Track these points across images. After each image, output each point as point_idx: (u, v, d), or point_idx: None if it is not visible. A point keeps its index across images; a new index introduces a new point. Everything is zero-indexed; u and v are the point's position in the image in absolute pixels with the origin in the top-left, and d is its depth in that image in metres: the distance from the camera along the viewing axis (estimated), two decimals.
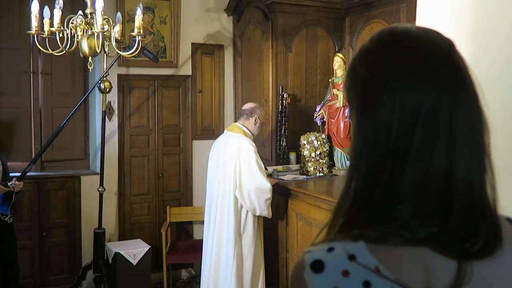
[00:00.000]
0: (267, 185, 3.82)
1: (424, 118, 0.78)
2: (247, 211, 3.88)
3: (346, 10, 4.91)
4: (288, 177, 4.39)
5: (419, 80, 0.79)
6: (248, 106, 4.16)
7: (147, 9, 4.90)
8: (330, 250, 0.76)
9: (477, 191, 0.79)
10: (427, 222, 0.77)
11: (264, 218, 4.04)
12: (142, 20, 3.26)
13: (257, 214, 3.89)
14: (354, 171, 0.83)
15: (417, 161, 0.78)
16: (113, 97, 4.90)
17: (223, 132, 4.27)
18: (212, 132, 5.38)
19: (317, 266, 0.75)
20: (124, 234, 5.02)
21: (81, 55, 3.35)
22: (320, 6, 4.83)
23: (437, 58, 0.81)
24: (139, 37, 3.11)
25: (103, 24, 2.92)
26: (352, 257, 0.75)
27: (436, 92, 0.78)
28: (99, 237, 4.47)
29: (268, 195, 3.83)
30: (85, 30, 3.15)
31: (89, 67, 3.29)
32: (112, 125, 4.96)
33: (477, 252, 0.76)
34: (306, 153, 4.48)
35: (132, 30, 3.26)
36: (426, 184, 0.78)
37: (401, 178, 0.78)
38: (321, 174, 4.47)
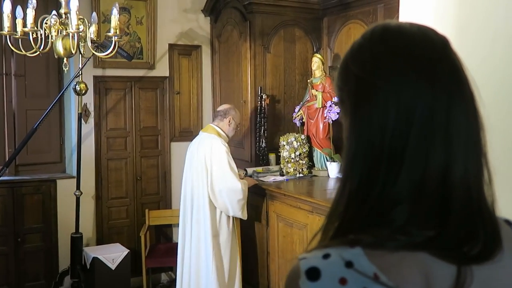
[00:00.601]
0: (238, 185, 3.82)
1: (420, 117, 0.75)
2: (221, 212, 3.89)
3: (323, 11, 4.92)
4: (268, 178, 4.37)
5: (414, 78, 0.76)
6: (222, 107, 4.17)
7: (123, 10, 4.83)
8: (326, 256, 0.73)
9: (474, 192, 0.77)
10: (424, 225, 0.75)
11: (243, 219, 4.03)
12: (118, 21, 3.20)
13: (230, 214, 3.91)
14: (348, 173, 0.80)
15: (413, 161, 0.75)
16: (89, 99, 4.81)
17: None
18: (191, 133, 5.32)
19: (313, 274, 0.72)
20: (102, 239, 4.94)
21: (56, 56, 3.28)
22: (298, 6, 4.83)
23: (432, 56, 0.78)
24: (116, 37, 3.05)
25: (78, 24, 2.86)
26: (349, 264, 0.72)
27: (431, 90, 0.76)
28: (77, 241, 4.39)
29: (240, 196, 3.83)
30: (59, 30, 3.08)
31: (64, 68, 3.22)
32: (88, 127, 4.88)
33: (477, 256, 0.74)
34: (285, 154, 4.47)
35: (108, 31, 3.20)
36: (422, 186, 0.75)
37: (397, 179, 0.75)
38: (301, 175, 4.46)
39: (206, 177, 3.87)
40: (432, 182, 0.75)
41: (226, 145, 3.96)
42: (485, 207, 0.78)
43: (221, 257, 3.87)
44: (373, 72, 0.79)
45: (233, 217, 3.98)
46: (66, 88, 4.34)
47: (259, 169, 4.50)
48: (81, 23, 2.94)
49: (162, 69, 5.19)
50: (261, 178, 4.36)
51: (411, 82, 0.76)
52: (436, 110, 0.76)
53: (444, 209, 0.75)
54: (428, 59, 0.78)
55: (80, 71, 4.22)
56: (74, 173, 4.61)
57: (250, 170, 4.46)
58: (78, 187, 4.45)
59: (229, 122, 4.07)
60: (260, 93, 4.64)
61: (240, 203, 3.86)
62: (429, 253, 0.73)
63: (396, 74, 0.77)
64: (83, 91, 4.36)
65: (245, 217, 3.95)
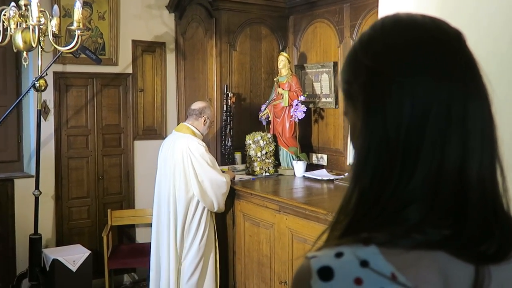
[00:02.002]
0: (222, 179, 3.89)
1: (437, 111, 0.72)
2: (201, 212, 3.87)
3: (289, 9, 4.91)
4: (235, 177, 4.32)
5: (430, 72, 0.73)
6: (197, 105, 4.09)
7: (84, 4, 4.68)
8: (339, 255, 0.69)
9: (489, 190, 0.74)
10: (439, 224, 0.72)
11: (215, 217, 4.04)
12: (81, 15, 3.10)
13: (215, 210, 3.94)
14: (360, 170, 0.76)
15: (429, 158, 0.72)
16: (48, 95, 4.66)
17: (169, 132, 4.19)
18: (155, 132, 5.23)
19: (326, 273, 0.68)
20: (62, 240, 4.79)
21: (15, 50, 3.14)
22: (264, 4, 4.80)
23: (448, 49, 0.75)
24: (79, 31, 2.94)
25: (39, 17, 2.74)
26: (364, 263, 0.68)
27: (447, 84, 0.73)
28: (35, 243, 4.24)
29: (224, 189, 3.91)
30: (19, 23, 2.95)
31: (23, 62, 3.09)
32: (48, 125, 4.71)
33: (494, 255, 0.72)
34: (252, 152, 4.43)
35: (71, 24, 3.09)
36: (438, 183, 0.72)
37: (412, 177, 0.72)
38: (267, 174, 4.44)
39: (185, 178, 3.84)
40: (448, 179, 0.72)
41: (203, 144, 3.94)
42: (500, 205, 0.76)
43: (198, 257, 3.85)
44: (387, 64, 0.75)
45: (211, 216, 3.97)
46: (30, 88, 4.15)
47: (225, 168, 4.45)
48: (42, 15, 2.82)
49: (125, 66, 5.07)
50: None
51: (427, 74, 0.73)
52: (453, 105, 0.73)
53: (460, 207, 0.73)
54: (444, 52, 0.74)
55: (45, 72, 4.06)
56: (33, 172, 4.45)
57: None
58: (37, 187, 4.30)
59: (205, 121, 4.03)
60: (226, 91, 4.59)
61: (224, 197, 3.94)
62: (446, 252, 0.71)
63: (411, 66, 0.73)
64: (43, 87, 4.20)
65: (223, 209, 4.02)
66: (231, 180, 4.10)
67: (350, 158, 3.80)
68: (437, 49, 0.74)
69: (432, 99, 0.72)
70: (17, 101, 4.14)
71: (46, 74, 4.13)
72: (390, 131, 0.73)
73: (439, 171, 0.72)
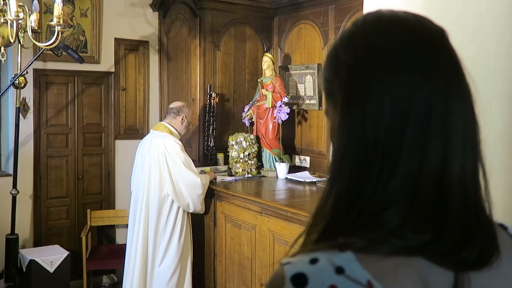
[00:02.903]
0: (197, 180, 3.83)
1: (417, 111, 0.69)
2: (176, 212, 3.83)
3: (274, 10, 4.88)
4: (216, 178, 4.28)
5: (411, 70, 0.70)
6: (175, 104, 4.08)
7: (66, 1, 4.62)
8: (314, 261, 0.66)
9: (471, 193, 0.72)
10: (419, 228, 0.69)
11: (192, 218, 3.98)
12: (62, 11, 3.03)
13: (191, 210, 3.89)
14: (336, 172, 0.73)
15: (408, 159, 0.69)
16: (28, 93, 4.56)
17: (148, 132, 4.14)
18: (136, 131, 5.17)
19: (299, 280, 0.65)
20: (40, 240, 4.69)
21: None
22: (249, 5, 4.77)
23: (430, 46, 0.72)
24: (59, 27, 2.87)
25: (18, 12, 2.67)
26: (339, 270, 0.65)
27: (429, 83, 0.70)
28: (12, 243, 4.16)
29: (200, 190, 3.85)
30: None
31: (1, 58, 3.01)
32: (27, 123, 4.62)
33: (475, 262, 0.69)
34: (234, 154, 4.40)
35: (51, 20, 3.02)
36: (418, 185, 0.69)
37: (391, 179, 0.69)
38: (249, 175, 4.40)
39: (160, 177, 3.81)
40: (429, 181, 0.69)
41: (180, 142, 3.91)
42: (482, 210, 0.73)
43: (177, 258, 3.81)
44: (367, 61, 0.72)
45: (187, 218, 3.93)
46: (9, 86, 4.06)
47: (207, 168, 4.40)
48: (21, 10, 2.76)
49: (107, 64, 5.00)
50: None
51: (408, 72, 0.70)
52: (434, 104, 0.70)
53: (441, 210, 0.70)
54: (425, 50, 0.72)
55: (25, 70, 3.98)
56: (11, 171, 4.36)
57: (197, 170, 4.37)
58: (14, 186, 4.22)
59: (182, 120, 4.02)
60: (209, 92, 4.55)
61: (200, 198, 3.88)
62: (425, 258, 0.68)
63: (392, 64, 0.71)
64: (22, 85, 4.14)
65: (202, 210, 3.97)
66: (212, 181, 4.06)
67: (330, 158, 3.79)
68: (419, 46, 0.72)
69: (413, 98, 0.69)
70: None
71: (27, 72, 4.06)
72: (369, 130, 0.70)
73: (419, 173, 0.69)
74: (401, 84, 0.70)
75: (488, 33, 1.47)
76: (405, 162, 0.69)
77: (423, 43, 0.72)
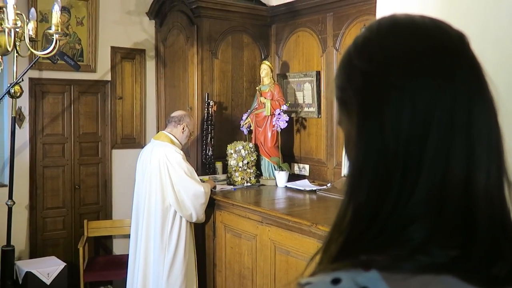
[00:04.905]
0: (200, 189, 3.79)
1: (439, 118, 0.65)
2: (179, 222, 3.78)
3: (272, 18, 4.87)
4: (215, 187, 4.23)
5: (432, 75, 0.66)
6: (177, 113, 4.06)
7: (63, 9, 4.57)
8: (336, 281, 0.62)
9: (497, 205, 0.68)
10: (446, 244, 0.65)
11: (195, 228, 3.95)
12: (60, 19, 2.99)
13: (194, 220, 3.85)
14: (355, 184, 0.69)
15: (432, 170, 0.65)
16: (24, 102, 4.52)
17: (148, 141, 4.12)
18: (133, 140, 5.12)
19: None
20: (36, 251, 4.62)
21: None
22: (246, 12, 4.76)
23: (450, 51, 0.69)
24: (57, 35, 2.83)
25: (15, 20, 2.63)
26: None
27: (451, 89, 0.66)
28: (8, 255, 4.11)
29: (203, 199, 3.81)
30: None
31: None
32: (23, 132, 4.57)
33: (505, 279, 0.65)
34: (233, 162, 4.36)
35: (48, 29, 2.98)
36: (443, 198, 0.65)
37: (414, 191, 0.65)
38: (248, 184, 4.36)
39: (161, 187, 3.76)
40: (454, 192, 0.65)
41: (181, 152, 3.87)
42: (509, 222, 0.69)
43: (184, 269, 3.76)
44: (384, 67, 0.68)
45: (191, 229, 3.89)
46: (5, 94, 4.01)
47: (206, 177, 4.36)
48: (18, 18, 2.71)
49: (103, 73, 4.96)
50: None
51: (428, 78, 0.66)
52: (457, 111, 0.66)
53: (467, 224, 0.66)
54: (446, 55, 0.68)
55: (21, 77, 3.94)
56: (6, 182, 4.30)
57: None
58: (10, 197, 4.17)
59: (183, 129, 3.97)
60: (207, 100, 4.51)
61: (203, 207, 3.84)
62: (455, 276, 0.64)
63: (411, 70, 0.67)
64: (18, 94, 4.09)
65: (203, 219, 3.93)
66: (211, 190, 4.02)
67: (345, 169, 3.74)
68: (438, 50, 0.68)
69: (434, 105, 0.66)
70: None
71: (22, 80, 4.01)
72: (388, 140, 0.66)
73: (443, 184, 0.65)
74: (421, 90, 0.66)
75: (509, 39, 1.44)
76: (428, 173, 0.65)
77: (442, 47, 0.69)
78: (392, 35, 0.70)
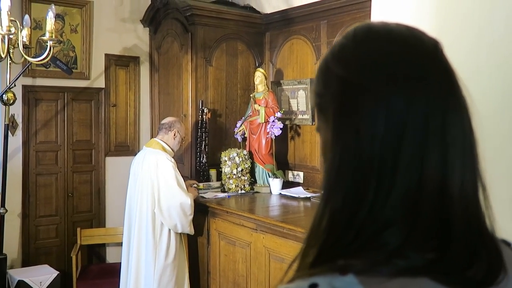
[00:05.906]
0: (187, 201, 3.71)
1: (413, 123, 0.66)
2: (169, 230, 3.74)
3: (266, 25, 4.88)
4: (209, 194, 4.22)
5: (405, 80, 0.68)
6: (167, 120, 4.04)
7: (56, 16, 4.55)
8: (313, 287, 0.62)
9: (473, 208, 0.69)
10: (422, 247, 0.65)
11: (185, 236, 3.90)
12: (54, 25, 2.99)
13: (179, 231, 3.77)
14: (330, 190, 0.70)
15: (407, 174, 0.66)
16: (17, 109, 4.50)
17: (140, 148, 4.08)
18: (127, 148, 5.10)
19: None
20: (28, 260, 4.58)
21: None
22: (240, 20, 4.77)
23: (424, 58, 0.70)
24: (51, 42, 2.83)
25: (9, 26, 2.62)
26: None
27: (424, 94, 0.67)
28: (0, 263, 4.05)
29: (189, 211, 3.74)
30: None
31: None
32: (16, 140, 4.55)
33: (482, 281, 0.65)
34: (227, 170, 4.35)
35: (42, 36, 2.98)
36: (418, 202, 0.66)
37: (389, 195, 0.66)
38: (242, 191, 4.35)
39: (152, 194, 3.72)
40: (429, 196, 0.66)
41: (173, 160, 3.83)
42: (484, 225, 0.70)
43: (174, 275, 3.72)
44: (359, 73, 0.69)
45: (180, 236, 3.84)
46: (0, 98, 4.00)
47: (200, 185, 4.35)
48: (12, 25, 2.71)
49: (97, 80, 4.95)
50: (202, 195, 4.21)
51: (402, 85, 0.67)
52: (431, 115, 0.67)
53: (443, 227, 0.67)
54: (419, 61, 0.69)
55: (13, 83, 3.92)
56: None
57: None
58: (2, 204, 4.13)
59: (174, 135, 3.94)
60: (201, 107, 4.51)
61: (189, 218, 3.76)
62: (431, 278, 0.64)
63: (385, 75, 0.68)
64: (11, 101, 4.08)
65: (192, 232, 3.84)
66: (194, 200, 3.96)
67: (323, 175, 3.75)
68: (413, 57, 0.70)
69: (409, 109, 0.67)
70: None
71: (14, 85, 4.00)
72: (363, 145, 0.67)
73: (419, 188, 0.66)
74: (395, 95, 0.67)
75: (487, 50, 1.45)
76: (403, 177, 0.66)
77: (417, 53, 0.70)
78: (368, 42, 0.72)
